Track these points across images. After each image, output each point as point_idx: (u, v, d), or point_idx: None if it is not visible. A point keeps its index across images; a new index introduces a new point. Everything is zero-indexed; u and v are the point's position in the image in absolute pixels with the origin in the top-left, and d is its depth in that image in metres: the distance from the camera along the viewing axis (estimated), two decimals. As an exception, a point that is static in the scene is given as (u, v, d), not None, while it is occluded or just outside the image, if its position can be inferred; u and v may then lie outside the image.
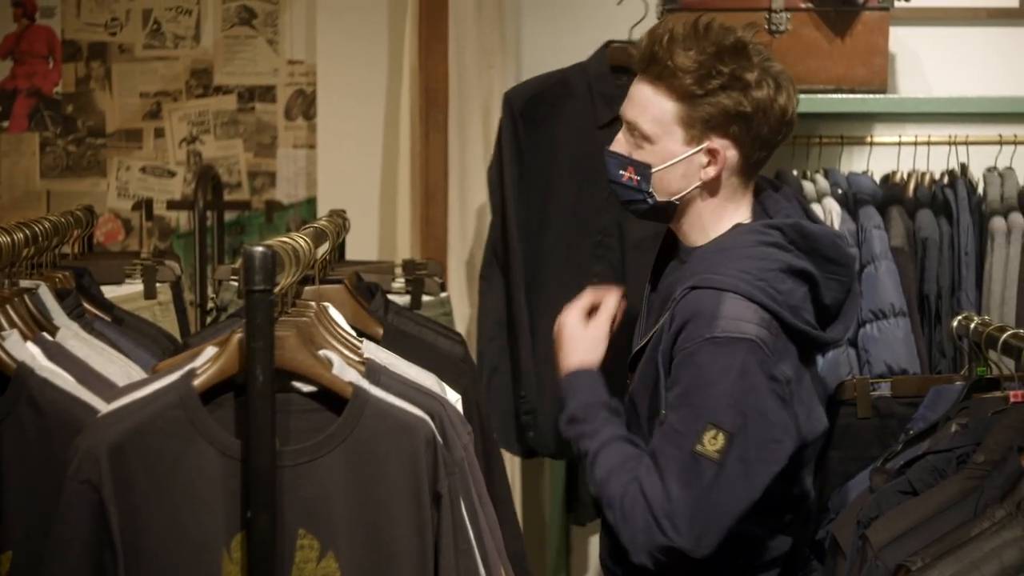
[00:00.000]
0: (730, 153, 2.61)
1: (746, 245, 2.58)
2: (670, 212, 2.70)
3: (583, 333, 2.80)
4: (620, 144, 2.70)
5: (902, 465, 2.44)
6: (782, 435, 2.46)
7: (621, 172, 2.68)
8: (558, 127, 3.66)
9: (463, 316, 4.22)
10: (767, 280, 2.51)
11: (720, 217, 2.68)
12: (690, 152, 2.61)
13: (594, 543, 4.73)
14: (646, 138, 2.63)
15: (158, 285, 3.33)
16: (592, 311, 2.84)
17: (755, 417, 2.43)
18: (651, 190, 2.66)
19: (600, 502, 2.59)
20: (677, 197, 2.66)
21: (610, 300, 2.86)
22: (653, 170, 2.64)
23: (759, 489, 2.45)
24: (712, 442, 2.41)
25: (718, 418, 2.42)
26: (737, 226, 2.66)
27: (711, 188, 2.66)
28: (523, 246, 3.68)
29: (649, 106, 2.62)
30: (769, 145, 2.65)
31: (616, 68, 3.71)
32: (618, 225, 3.71)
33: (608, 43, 3.73)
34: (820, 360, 2.86)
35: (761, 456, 2.44)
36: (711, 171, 2.62)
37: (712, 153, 2.61)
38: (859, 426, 2.76)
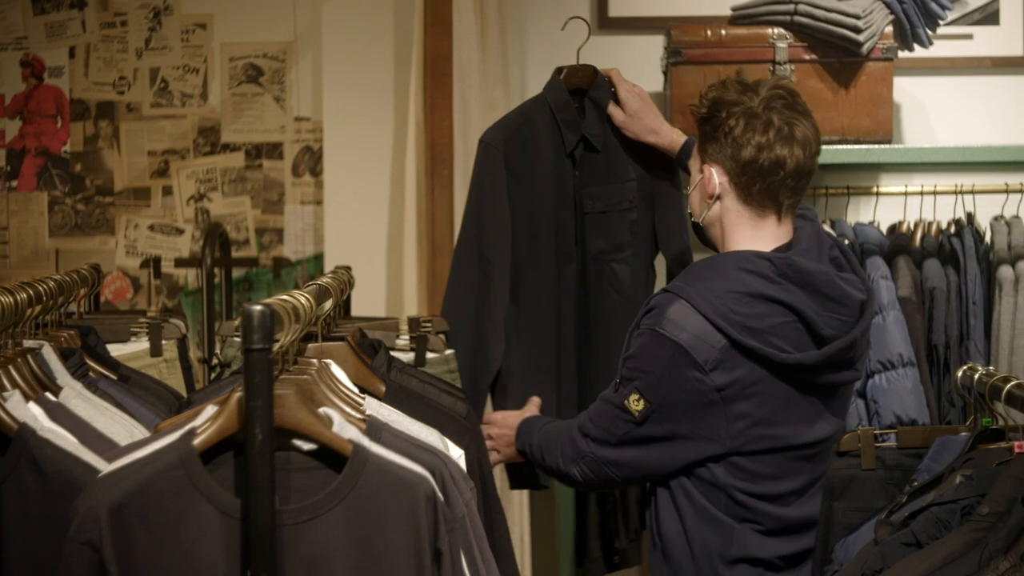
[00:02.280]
0: (721, 179, 2.98)
1: (727, 268, 2.90)
2: (704, 235, 3.11)
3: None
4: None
5: (906, 517, 2.42)
6: (698, 424, 2.87)
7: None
8: (531, 162, 3.67)
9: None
10: (724, 300, 2.84)
11: (732, 242, 2.99)
12: (700, 177, 3.03)
13: (605, 597, 4.70)
14: (691, 169, 3.13)
15: (164, 342, 3.33)
16: None
17: (674, 402, 2.87)
18: (690, 211, 3.10)
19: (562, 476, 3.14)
20: (699, 218, 3.06)
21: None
22: (686, 192, 3.16)
23: (670, 455, 2.92)
24: (636, 403, 2.91)
25: (644, 388, 2.89)
26: (727, 253, 2.99)
27: (721, 213, 3.01)
28: (504, 283, 3.67)
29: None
30: (763, 174, 2.92)
31: (572, 91, 3.72)
32: (579, 238, 3.74)
33: (559, 69, 3.73)
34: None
35: (675, 431, 2.89)
36: (708, 190, 2.99)
37: (706, 174, 2.99)
38: (863, 477, 2.75)
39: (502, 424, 3.38)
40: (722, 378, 2.83)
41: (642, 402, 2.89)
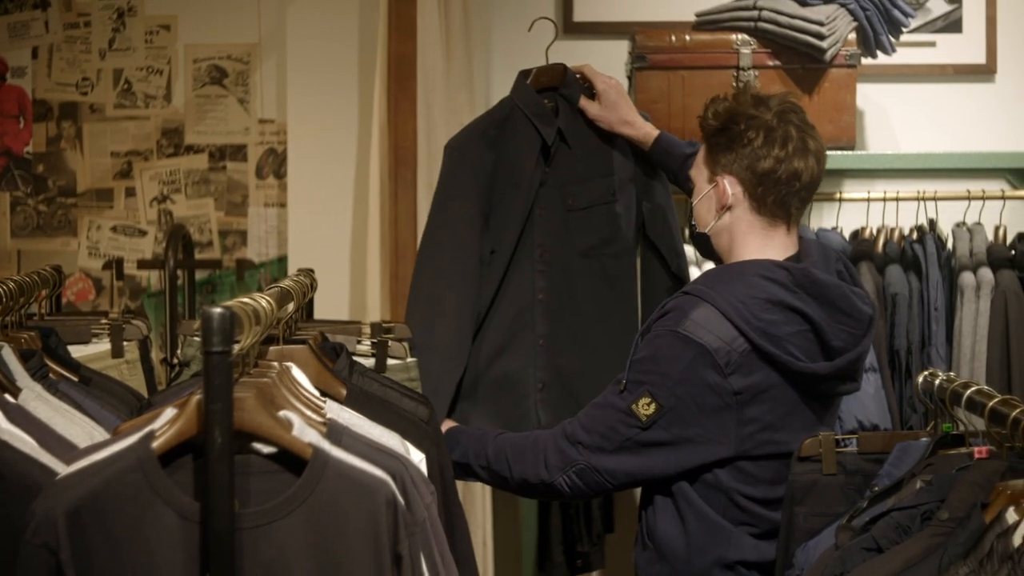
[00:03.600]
0: (736, 189, 3.02)
1: (748, 274, 2.92)
2: (708, 245, 3.13)
3: None
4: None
5: (867, 522, 2.43)
6: (709, 429, 2.87)
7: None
8: (499, 163, 3.64)
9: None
10: (747, 305, 2.86)
11: (742, 252, 3.04)
12: (709, 188, 3.06)
13: (567, 602, 4.70)
14: (694, 180, 3.14)
15: (125, 344, 3.31)
16: None
17: (688, 405, 2.86)
18: (693, 221, 3.14)
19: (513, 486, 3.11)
20: (707, 228, 3.09)
21: None
22: (692, 202, 3.13)
23: (672, 462, 2.91)
24: (645, 407, 2.88)
25: (656, 391, 2.88)
26: (747, 261, 3.01)
27: (731, 223, 3.05)
28: (473, 281, 3.65)
29: (698, 155, 3.13)
30: (777, 185, 2.98)
31: (541, 91, 3.71)
32: (564, 235, 3.71)
33: (525, 72, 3.72)
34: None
35: (683, 435, 2.88)
36: (722, 201, 3.03)
37: (719, 185, 3.03)
38: (824, 483, 2.75)
39: None
40: (740, 382, 2.86)
41: (653, 406, 2.88)
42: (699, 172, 3.11)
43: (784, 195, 2.99)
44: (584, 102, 3.68)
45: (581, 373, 3.67)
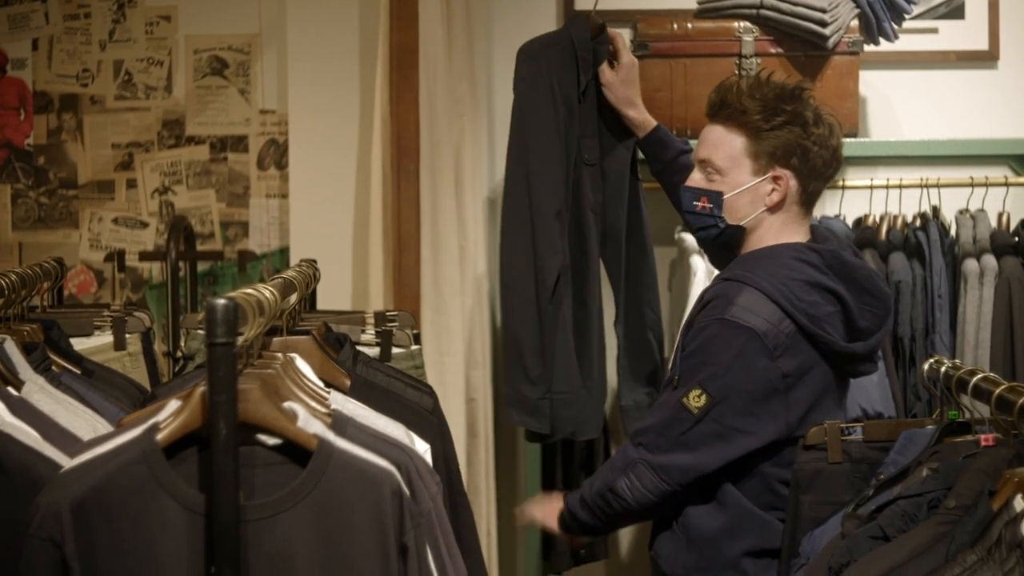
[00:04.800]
0: (792, 182, 3.04)
1: (783, 257, 2.99)
2: (738, 236, 3.12)
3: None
4: (694, 180, 3.16)
5: (873, 510, 2.42)
6: (759, 416, 2.90)
7: (695, 202, 3.14)
8: (553, 87, 3.72)
9: (436, 364, 4.20)
10: (790, 287, 2.91)
11: (780, 241, 3.07)
12: (756, 181, 3.05)
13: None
14: (718, 171, 3.09)
15: (128, 336, 3.31)
16: None
17: (739, 393, 2.88)
18: (722, 215, 3.10)
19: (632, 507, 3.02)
20: (746, 221, 3.08)
21: None
22: (725, 197, 3.08)
23: (723, 455, 2.92)
24: (696, 399, 2.89)
25: (707, 383, 2.89)
26: (779, 245, 3.06)
27: (775, 213, 3.08)
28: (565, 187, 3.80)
29: (721, 144, 3.09)
30: (823, 177, 3.09)
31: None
32: (578, 188, 3.82)
33: (584, 14, 3.79)
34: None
35: (735, 426, 2.90)
36: (775, 196, 3.05)
37: (776, 180, 3.04)
38: (830, 471, 2.75)
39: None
40: (788, 365, 2.90)
41: (704, 397, 2.89)
42: (734, 164, 3.08)
43: (822, 186, 3.12)
44: (604, 67, 3.76)
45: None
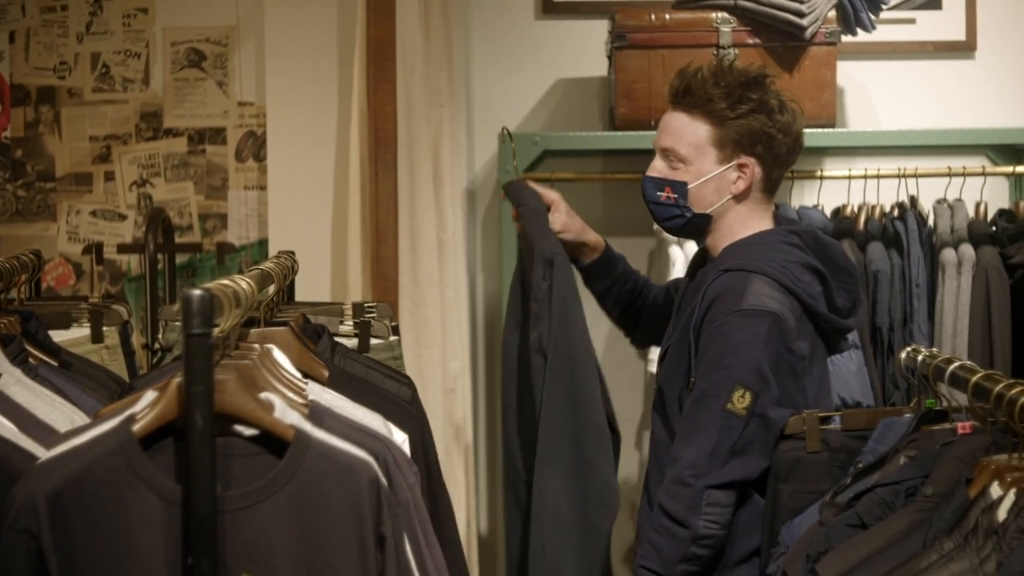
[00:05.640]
0: (756, 169, 3.03)
1: (773, 242, 2.99)
2: (704, 225, 3.09)
3: None
4: (656, 169, 3.11)
5: (851, 498, 2.43)
6: (789, 401, 2.84)
7: (659, 193, 3.09)
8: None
9: (414, 356, 4.21)
10: (790, 269, 2.91)
11: (748, 228, 3.06)
12: (721, 169, 3.03)
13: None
14: (682, 160, 3.06)
15: (105, 329, 3.30)
16: None
17: (772, 381, 2.82)
18: (688, 204, 3.07)
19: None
20: (712, 209, 3.06)
21: None
22: (690, 186, 3.05)
23: (770, 449, 2.80)
24: (740, 400, 2.79)
25: (745, 379, 2.80)
26: (762, 231, 3.05)
27: (740, 201, 3.06)
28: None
29: (685, 132, 3.05)
30: (786, 164, 3.11)
31: None
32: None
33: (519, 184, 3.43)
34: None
35: (774, 416, 2.80)
36: (741, 184, 3.04)
37: (742, 168, 3.03)
38: (808, 460, 2.75)
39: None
40: (802, 346, 2.91)
41: (747, 395, 2.80)
42: (699, 152, 3.04)
43: (784, 172, 3.14)
44: (555, 215, 3.35)
45: None
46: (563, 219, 3.34)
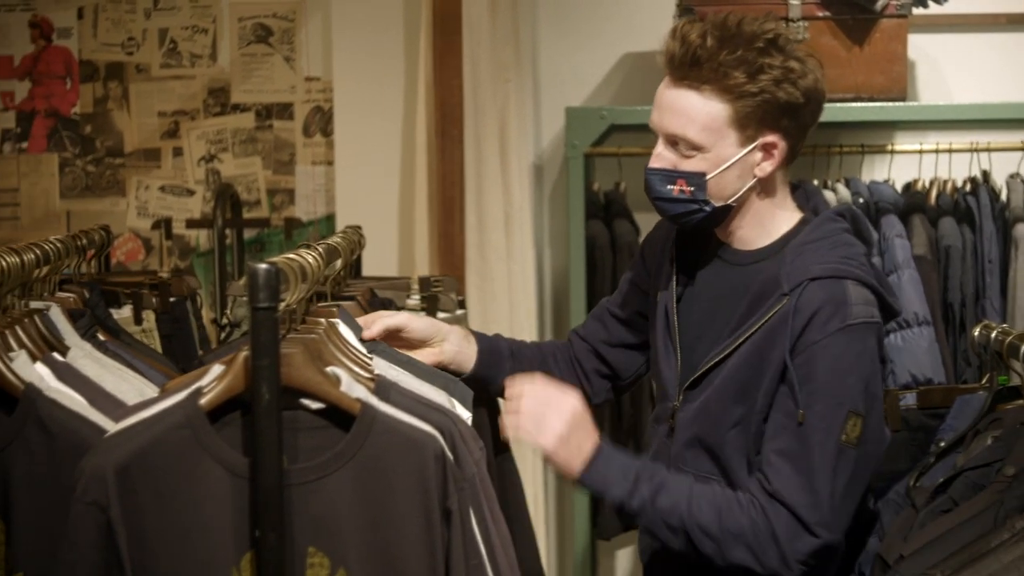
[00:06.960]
0: (782, 144, 2.53)
1: (835, 233, 2.54)
2: (722, 217, 2.59)
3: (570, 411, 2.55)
4: (663, 159, 2.59)
5: (940, 483, 2.38)
6: (878, 423, 2.46)
7: (670, 187, 2.56)
8: None
9: (482, 330, 4.20)
10: (866, 265, 2.51)
11: (776, 212, 2.61)
12: (744, 151, 2.51)
13: (619, 557, 4.71)
14: (697, 147, 2.52)
15: (143, 312, 3.29)
16: None
17: (876, 399, 2.45)
18: (707, 198, 2.54)
19: (701, 543, 2.45)
20: (734, 199, 2.56)
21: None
22: (708, 177, 2.53)
23: (875, 467, 2.49)
24: (852, 429, 2.39)
25: (856, 405, 2.40)
26: (804, 220, 2.60)
27: (765, 184, 2.57)
28: None
29: (697, 114, 2.51)
30: (807, 132, 2.59)
31: None
32: None
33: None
34: None
35: (879, 436, 2.46)
36: (768, 166, 2.54)
37: (767, 148, 2.52)
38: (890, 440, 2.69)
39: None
40: (882, 349, 2.52)
41: (859, 424, 2.40)
42: (717, 136, 2.51)
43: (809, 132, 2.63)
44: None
45: None
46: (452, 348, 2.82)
